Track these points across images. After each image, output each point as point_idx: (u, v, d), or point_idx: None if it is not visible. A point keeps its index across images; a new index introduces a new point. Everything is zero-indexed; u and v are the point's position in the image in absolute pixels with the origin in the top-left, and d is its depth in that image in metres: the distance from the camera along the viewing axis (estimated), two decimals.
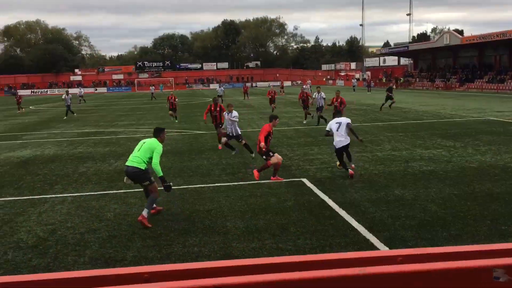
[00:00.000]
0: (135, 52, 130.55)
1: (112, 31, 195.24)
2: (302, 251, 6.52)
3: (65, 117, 30.95)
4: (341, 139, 11.09)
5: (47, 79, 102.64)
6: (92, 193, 10.41)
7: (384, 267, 1.22)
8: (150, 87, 61.90)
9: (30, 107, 47.79)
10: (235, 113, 14.59)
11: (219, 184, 10.82)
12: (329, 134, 11.45)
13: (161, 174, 8.08)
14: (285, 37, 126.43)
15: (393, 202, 8.88)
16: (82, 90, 58.74)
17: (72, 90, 59.04)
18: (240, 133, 14.58)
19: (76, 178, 12.10)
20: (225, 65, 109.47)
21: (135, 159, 8.17)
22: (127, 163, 8.29)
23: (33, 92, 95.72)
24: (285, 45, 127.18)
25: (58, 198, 10.00)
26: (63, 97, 32.38)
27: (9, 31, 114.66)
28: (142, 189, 8.71)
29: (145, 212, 7.90)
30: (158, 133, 8.45)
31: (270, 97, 31.02)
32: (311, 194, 9.63)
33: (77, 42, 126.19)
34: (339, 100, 21.08)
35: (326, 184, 10.40)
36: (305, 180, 10.81)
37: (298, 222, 7.83)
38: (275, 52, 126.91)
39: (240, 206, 8.93)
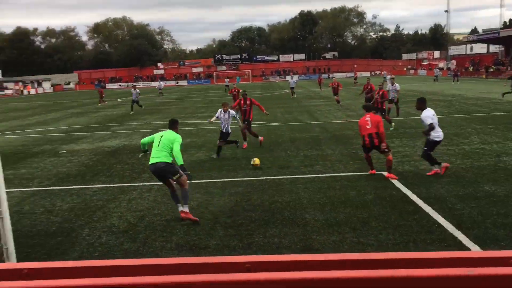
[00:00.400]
0: (214, 46, 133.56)
1: (192, 25, 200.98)
2: (384, 246, 6.38)
3: (131, 112, 30.83)
4: (441, 131, 10.42)
5: (132, 72, 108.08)
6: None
7: (496, 268, 1.17)
8: (225, 80, 63.21)
9: (118, 99, 50.60)
10: (232, 112, 14.49)
11: (297, 176, 10.84)
12: (433, 127, 10.12)
13: (182, 162, 7.94)
14: (364, 26, 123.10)
15: (483, 198, 8.39)
16: (161, 83, 61.07)
17: (154, 84, 61.56)
18: (230, 132, 14.27)
19: None
20: (301, 56, 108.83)
21: (160, 154, 7.98)
22: (153, 161, 8.02)
23: (120, 85, 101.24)
24: (363, 34, 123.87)
25: (146, 186, 10.55)
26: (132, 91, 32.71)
27: (98, 28, 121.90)
28: (174, 183, 8.24)
29: (186, 208, 7.89)
30: (173, 125, 8.39)
31: (333, 87, 30.05)
32: (393, 188, 9.35)
33: (159, 37, 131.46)
34: (369, 87, 21.82)
35: (408, 178, 10.05)
36: (385, 173, 10.52)
37: (380, 216, 7.65)
38: (352, 42, 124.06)
39: (319, 198, 8.89)
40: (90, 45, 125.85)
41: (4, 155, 15.11)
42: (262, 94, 45.40)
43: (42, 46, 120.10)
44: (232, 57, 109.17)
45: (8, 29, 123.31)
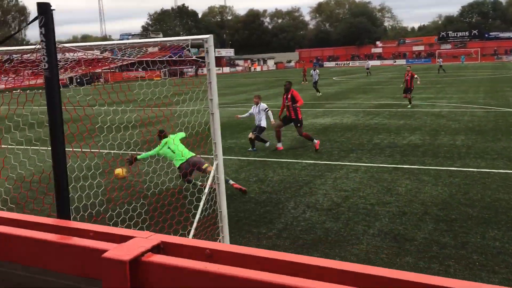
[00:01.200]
0: (439, 22, 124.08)
1: (416, 1, 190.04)
2: None
3: (319, 94, 29.48)
4: None
5: (350, 51, 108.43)
6: (385, 165, 10.37)
7: None
8: (437, 60, 58.07)
9: (334, 78, 51.38)
10: (263, 105, 12.77)
11: None
12: None
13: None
14: None
15: None
16: (369, 63, 59.55)
17: (372, 62, 60.38)
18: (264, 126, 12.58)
19: (370, 148, 12.30)
20: None
21: (186, 150, 8.37)
22: (188, 156, 8.27)
23: (337, 64, 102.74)
24: None
25: (353, 166, 10.36)
26: (311, 73, 31.10)
27: (321, 8, 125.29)
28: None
29: (231, 181, 8.42)
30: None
31: None
32: None
33: (380, 14, 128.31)
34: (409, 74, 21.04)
35: None
36: None
37: None
38: None
39: None
40: (312, 24, 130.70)
41: (230, 126, 16.77)
42: (492, 76, 40.33)
43: (270, 27, 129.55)
44: (459, 34, 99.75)
45: (242, 12, 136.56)
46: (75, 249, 1.38)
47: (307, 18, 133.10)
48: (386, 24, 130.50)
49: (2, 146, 10.41)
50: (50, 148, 3.19)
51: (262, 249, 1.32)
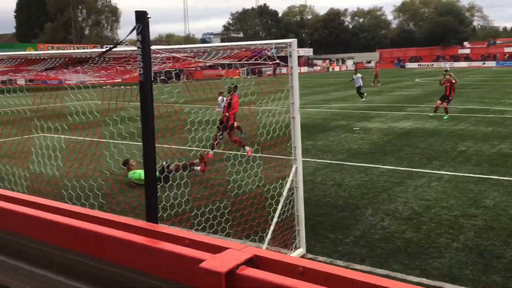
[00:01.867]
0: None
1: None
2: None
3: (362, 99, 26.81)
4: None
5: (434, 52, 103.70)
6: (471, 175, 9.82)
7: None
8: None
9: (416, 79, 49.47)
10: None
11: None
12: None
13: None
14: None
15: None
16: (447, 64, 56.38)
17: (458, 64, 57.34)
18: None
19: (455, 156, 11.70)
20: None
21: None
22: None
23: (420, 65, 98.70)
24: None
25: (435, 174, 9.91)
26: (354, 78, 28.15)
27: (405, 6, 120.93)
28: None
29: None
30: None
31: None
32: None
33: (469, 13, 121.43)
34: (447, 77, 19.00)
35: None
36: None
37: None
38: None
39: None
40: (394, 24, 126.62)
41: (306, 127, 16.71)
42: None
43: (350, 26, 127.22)
44: None
45: (323, 11, 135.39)
46: (172, 255, 1.45)
47: (390, 17, 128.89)
48: (475, 23, 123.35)
49: (95, 139, 11.12)
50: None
51: (358, 272, 1.30)
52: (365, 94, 27.42)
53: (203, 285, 1.33)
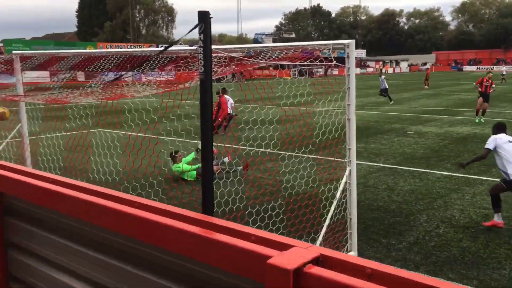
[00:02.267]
0: None
1: None
2: None
3: (391, 102, 26.52)
4: None
5: (494, 55, 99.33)
6: None
7: None
8: None
9: (474, 83, 47.53)
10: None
11: None
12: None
13: None
14: None
15: None
16: (503, 68, 53.66)
17: None
18: None
19: None
20: None
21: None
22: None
23: (479, 68, 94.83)
24: None
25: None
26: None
27: (465, 7, 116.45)
28: None
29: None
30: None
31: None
32: None
33: None
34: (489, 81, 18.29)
35: None
36: None
37: None
38: None
39: None
40: (453, 25, 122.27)
41: (359, 129, 16.42)
42: None
43: (405, 27, 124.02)
44: None
45: (377, 11, 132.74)
46: (239, 250, 1.48)
47: (448, 18, 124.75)
48: None
49: (153, 135, 11.46)
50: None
51: (428, 276, 1.28)
52: (389, 98, 26.99)
53: (270, 281, 1.35)
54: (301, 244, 1.47)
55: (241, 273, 1.47)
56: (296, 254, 1.40)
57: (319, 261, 1.40)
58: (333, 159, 8.42)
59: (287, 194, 7.00)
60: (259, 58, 6.08)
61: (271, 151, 11.65)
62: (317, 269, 1.33)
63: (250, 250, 1.45)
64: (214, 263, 1.54)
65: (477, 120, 18.66)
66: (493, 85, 19.20)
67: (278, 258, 1.36)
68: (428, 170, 10.59)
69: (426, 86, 39.52)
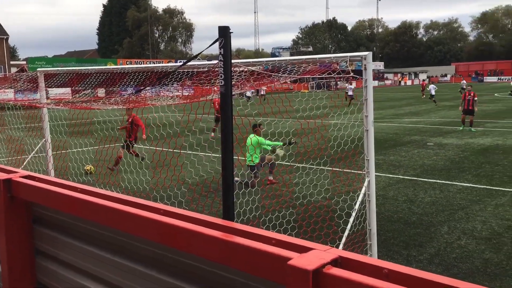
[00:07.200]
0: None
1: None
2: None
3: (435, 104, 31.21)
4: None
5: None
6: None
7: None
8: None
9: (496, 94, 46.95)
10: None
11: None
12: None
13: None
14: None
15: None
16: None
17: None
18: None
19: None
20: None
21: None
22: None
23: (500, 79, 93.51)
24: None
25: None
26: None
27: (485, 18, 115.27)
28: None
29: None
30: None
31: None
32: None
33: None
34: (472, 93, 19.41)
35: None
36: None
37: None
38: None
39: None
40: (472, 36, 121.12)
41: (377, 141, 16.38)
42: None
43: (424, 39, 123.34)
44: None
45: (394, 24, 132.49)
46: (261, 253, 1.54)
47: (467, 29, 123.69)
48: None
49: (170, 149, 11.63)
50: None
51: (444, 276, 1.32)
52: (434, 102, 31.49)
53: (290, 282, 1.40)
54: (321, 247, 1.52)
55: (263, 275, 1.53)
56: (315, 256, 1.45)
57: (337, 262, 1.45)
58: (350, 170, 8.41)
59: (305, 203, 7.02)
60: (280, 73, 6.17)
61: (284, 163, 11.71)
62: (336, 269, 1.38)
63: (271, 253, 1.50)
64: (236, 266, 1.60)
65: (461, 128, 19.73)
66: (476, 98, 19.87)
67: (298, 260, 1.41)
68: (448, 182, 10.48)
69: (423, 96, 42.14)
